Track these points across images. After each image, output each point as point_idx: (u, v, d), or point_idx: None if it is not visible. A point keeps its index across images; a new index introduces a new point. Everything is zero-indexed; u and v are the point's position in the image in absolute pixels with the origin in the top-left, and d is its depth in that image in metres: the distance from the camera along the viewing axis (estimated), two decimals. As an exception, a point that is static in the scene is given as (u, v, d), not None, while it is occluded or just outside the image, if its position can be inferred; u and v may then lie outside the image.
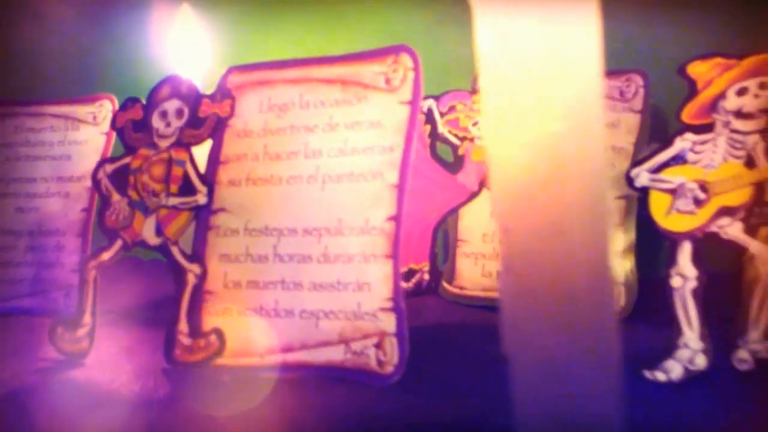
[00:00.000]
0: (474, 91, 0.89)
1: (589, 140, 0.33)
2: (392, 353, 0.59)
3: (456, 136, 0.89)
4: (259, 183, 0.67)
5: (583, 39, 0.33)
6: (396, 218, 0.61)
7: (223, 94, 0.71)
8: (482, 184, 0.86)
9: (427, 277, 0.88)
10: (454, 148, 0.89)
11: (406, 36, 0.97)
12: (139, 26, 0.98)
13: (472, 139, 0.88)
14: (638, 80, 0.82)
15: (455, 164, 0.88)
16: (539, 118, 0.33)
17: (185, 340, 0.65)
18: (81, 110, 0.95)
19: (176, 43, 0.92)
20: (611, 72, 0.85)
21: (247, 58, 0.74)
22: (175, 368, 0.65)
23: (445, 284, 0.86)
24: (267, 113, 0.68)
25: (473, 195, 0.86)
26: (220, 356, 0.64)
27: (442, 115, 0.90)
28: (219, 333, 0.64)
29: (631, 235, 0.77)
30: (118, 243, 0.71)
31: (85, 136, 0.94)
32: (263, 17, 0.97)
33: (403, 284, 0.88)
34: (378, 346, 0.59)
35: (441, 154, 0.90)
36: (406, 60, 0.63)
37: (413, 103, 0.63)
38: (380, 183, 0.62)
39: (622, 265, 0.78)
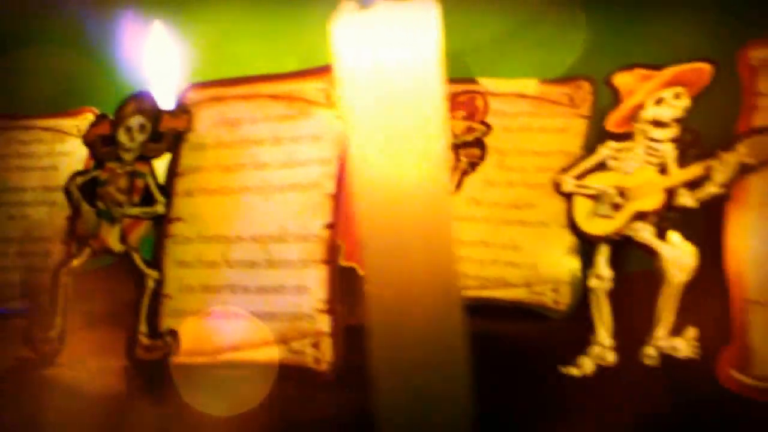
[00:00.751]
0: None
1: (434, 162, 0.37)
2: (328, 352, 0.63)
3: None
4: (211, 193, 0.71)
5: (426, 57, 0.37)
6: (332, 226, 0.65)
7: (181, 109, 0.75)
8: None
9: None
10: (415, 153, 0.92)
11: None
12: (119, 43, 1.04)
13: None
14: (586, 87, 0.85)
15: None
16: (395, 141, 0.37)
17: (145, 340, 0.70)
18: (66, 123, 1.00)
19: (151, 57, 0.97)
20: (560, 79, 0.88)
21: (215, 72, 0.79)
22: (136, 366, 0.70)
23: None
24: (220, 128, 0.73)
25: (431, 199, 0.90)
26: (175, 355, 0.69)
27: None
28: (174, 334, 0.69)
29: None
30: (87, 250, 0.76)
31: (70, 147, 1.00)
32: (232, 32, 1.02)
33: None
34: (315, 345, 0.64)
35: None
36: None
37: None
38: (319, 193, 0.66)
39: (567, 265, 0.81)
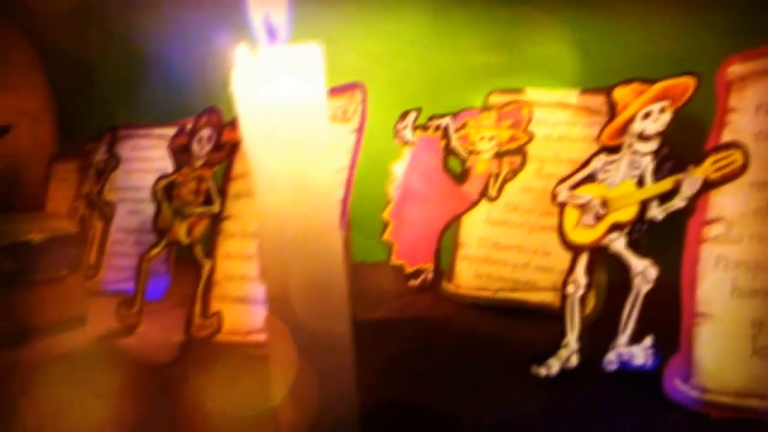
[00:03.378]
0: (485, 109, 0.98)
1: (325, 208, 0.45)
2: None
3: (465, 150, 0.98)
4: (253, 195, 0.82)
5: (313, 100, 0.45)
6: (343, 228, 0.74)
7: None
8: (482, 194, 0.95)
9: (431, 276, 0.98)
10: (462, 160, 0.98)
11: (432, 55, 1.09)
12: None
13: (478, 153, 0.97)
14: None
15: (462, 175, 0.98)
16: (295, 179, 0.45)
17: (198, 320, 0.83)
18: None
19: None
20: (600, 89, 0.89)
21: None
22: (190, 341, 0.83)
23: (445, 283, 0.97)
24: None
25: (474, 204, 0.95)
26: (219, 333, 0.81)
27: (456, 130, 1.00)
28: (219, 315, 0.82)
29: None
30: (164, 241, 0.91)
31: (176, 152, 1.16)
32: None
33: (411, 282, 1.00)
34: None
35: (451, 166, 1.00)
36: (358, 95, 0.76)
37: (360, 131, 0.75)
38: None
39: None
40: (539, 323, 0.84)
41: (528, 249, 0.91)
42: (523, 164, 0.93)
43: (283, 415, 0.48)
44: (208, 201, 0.87)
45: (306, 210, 0.45)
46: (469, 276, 0.95)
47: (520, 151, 0.93)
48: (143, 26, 1.32)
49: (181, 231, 0.89)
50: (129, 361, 0.82)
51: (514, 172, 0.93)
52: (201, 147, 0.90)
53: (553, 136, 0.93)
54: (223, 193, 0.86)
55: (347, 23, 1.06)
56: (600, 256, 0.66)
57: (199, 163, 0.90)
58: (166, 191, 0.93)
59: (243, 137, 0.46)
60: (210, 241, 0.86)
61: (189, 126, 1.03)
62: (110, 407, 0.68)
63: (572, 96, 0.92)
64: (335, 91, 0.78)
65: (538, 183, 0.92)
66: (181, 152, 0.93)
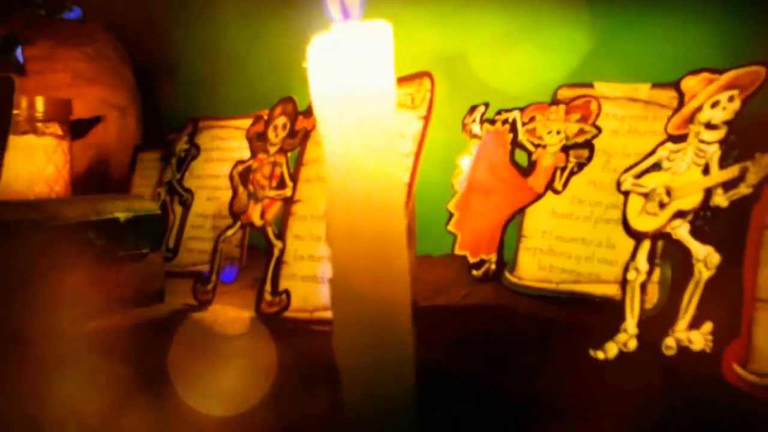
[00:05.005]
0: (553, 103, 0.99)
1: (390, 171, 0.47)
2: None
3: (532, 143, 0.99)
4: (323, 181, 0.86)
5: (381, 77, 0.47)
6: (407, 210, 0.76)
7: (311, 111, 0.91)
8: (547, 187, 0.96)
9: (494, 266, 0.99)
10: (529, 154, 0.99)
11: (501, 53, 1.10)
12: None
13: (545, 146, 0.98)
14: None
15: (528, 168, 0.99)
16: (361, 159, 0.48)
17: (268, 297, 0.87)
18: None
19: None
20: (672, 83, 0.88)
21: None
22: (260, 317, 0.87)
23: (507, 274, 0.98)
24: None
25: (539, 196, 0.96)
26: (287, 310, 0.85)
27: (523, 124, 1.01)
28: (288, 293, 0.85)
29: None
30: (239, 224, 0.96)
31: (252, 143, 1.21)
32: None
33: (474, 272, 1.02)
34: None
35: (518, 159, 1.01)
36: (427, 83, 0.78)
37: (427, 118, 0.77)
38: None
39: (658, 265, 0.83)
40: (601, 314, 0.84)
41: (592, 241, 0.91)
42: (590, 158, 0.93)
43: (343, 385, 0.51)
44: (281, 185, 0.91)
45: (373, 189, 0.47)
46: (532, 267, 0.96)
47: (588, 144, 0.94)
48: (223, 24, 1.39)
49: (255, 213, 0.93)
50: (202, 332, 0.87)
51: (581, 166, 0.94)
52: (276, 134, 0.95)
53: (622, 130, 0.93)
54: (294, 177, 0.90)
55: (418, 16, 1.09)
56: (662, 242, 0.66)
57: (274, 149, 0.94)
58: (243, 176, 0.97)
59: (315, 114, 0.49)
60: (281, 223, 0.90)
61: (265, 115, 1.09)
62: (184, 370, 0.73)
63: (642, 90, 0.92)
64: (404, 80, 0.81)
65: (605, 176, 0.92)
66: (257, 139, 0.98)
